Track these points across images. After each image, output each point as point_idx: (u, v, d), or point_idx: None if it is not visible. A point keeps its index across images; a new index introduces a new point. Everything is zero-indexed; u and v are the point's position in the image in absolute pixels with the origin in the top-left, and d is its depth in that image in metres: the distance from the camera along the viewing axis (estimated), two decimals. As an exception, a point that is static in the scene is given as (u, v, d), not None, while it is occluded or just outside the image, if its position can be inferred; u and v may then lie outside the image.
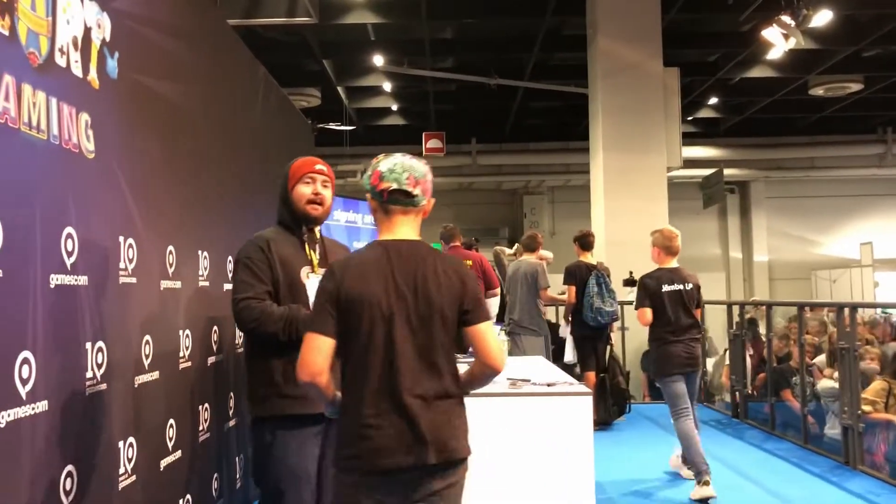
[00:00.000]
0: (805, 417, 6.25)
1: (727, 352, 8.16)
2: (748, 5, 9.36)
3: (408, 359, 2.12)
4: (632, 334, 8.62)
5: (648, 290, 5.05)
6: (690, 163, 12.91)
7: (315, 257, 2.86)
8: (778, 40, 8.38)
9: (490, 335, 2.22)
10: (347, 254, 2.94)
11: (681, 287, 5.05)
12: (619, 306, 7.16)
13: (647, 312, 5.02)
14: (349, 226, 10.59)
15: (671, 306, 4.99)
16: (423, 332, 2.15)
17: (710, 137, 16.09)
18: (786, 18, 8.09)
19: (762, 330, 7.75)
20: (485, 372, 2.23)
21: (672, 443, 6.50)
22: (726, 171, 14.50)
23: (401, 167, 2.24)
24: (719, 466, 5.67)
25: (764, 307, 8.03)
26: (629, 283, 8.48)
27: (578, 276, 6.86)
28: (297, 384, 2.21)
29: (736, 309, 7.76)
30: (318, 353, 2.13)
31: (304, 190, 2.86)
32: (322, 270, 2.65)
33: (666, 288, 5.03)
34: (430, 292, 2.16)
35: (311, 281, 2.76)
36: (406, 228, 2.25)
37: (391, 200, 2.24)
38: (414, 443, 2.10)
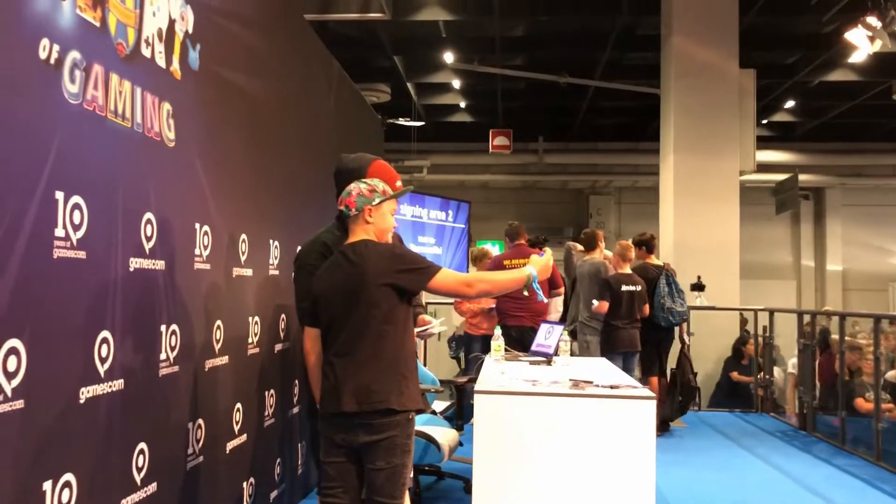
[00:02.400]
0: (878, 433, 6.03)
1: (795, 362, 7.93)
2: (831, 6, 9.07)
3: (339, 330, 2.70)
4: (696, 339, 8.46)
5: (612, 288, 6.42)
6: (764, 167, 12.56)
7: None
8: (863, 42, 8.08)
9: (443, 285, 2.74)
10: (395, 244, 3.21)
11: (635, 288, 6.48)
12: (688, 308, 7.03)
13: (605, 305, 6.41)
14: (415, 220, 10.66)
15: (626, 302, 6.40)
16: (364, 306, 2.66)
17: (785, 141, 15.63)
18: (872, 20, 7.79)
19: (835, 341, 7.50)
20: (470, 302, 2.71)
21: (736, 452, 6.36)
22: (801, 177, 14.08)
23: (342, 194, 2.82)
24: (786, 480, 5.52)
25: (837, 318, 7.77)
26: (697, 287, 8.33)
27: (646, 277, 6.77)
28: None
29: (807, 318, 7.53)
30: (309, 339, 2.86)
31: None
32: None
33: (624, 288, 6.44)
34: (361, 275, 2.66)
35: None
36: (352, 234, 2.80)
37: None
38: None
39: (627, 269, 6.57)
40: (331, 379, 2.69)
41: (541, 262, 2.96)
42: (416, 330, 3.18)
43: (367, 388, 2.62)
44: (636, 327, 6.49)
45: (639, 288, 6.49)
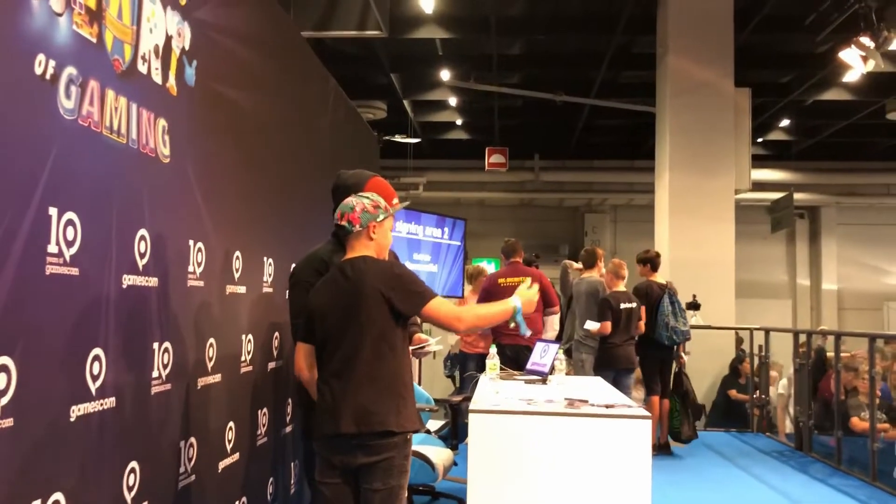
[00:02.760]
0: (874, 453, 6.01)
1: (790, 381, 7.92)
2: (825, 26, 9.13)
3: (335, 348, 2.68)
4: (691, 358, 8.44)
5: (612, 307, 6.43)
6: (759, 185, 12.60)
7: None
8: (856, 62, 8.13)
9: (435, 313, 2.72)
10: (394, 262, 3.18)
11: (632, 306, 6.52)
12: (689, 327, 7.02)
13: (608, 325, 6.40)
14: (410, 237, 10.65)
15: (624, 320, 6.43)
16: (359, 327, 2.65)
17: (780, 160, 15.69)
18: (865, 40, 7.85)
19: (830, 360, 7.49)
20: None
21: (733, 472, 6.32)
22: (796, 196, 14.11)
23: (339, 207, 2.81)
24: (782, 500, 5.49)
25: (832, 337, 7.76)
26: (692, 306, 8.32)
27: (649, 295, 6.76)
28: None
29: (802, 337, 7.53)
30: (301, 355, 2.86)
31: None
32: None
33: (622, 306, 6.47)
34: (359, 293, 2.66)
35: None
36: (351, 250, 2.79)
37: (340, 233, 2.82)
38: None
39: (622, 287, 6.62)
40: (328, 399, 2.67)
41: (526, 295, 2.91)
42: (412, 348, 3.17)
43: (366, 410, 2.61)
44: (631, 344, 6.56)
45: (634, 305, 6.57)
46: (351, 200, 2.80)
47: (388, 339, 2.66)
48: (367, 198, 2.81)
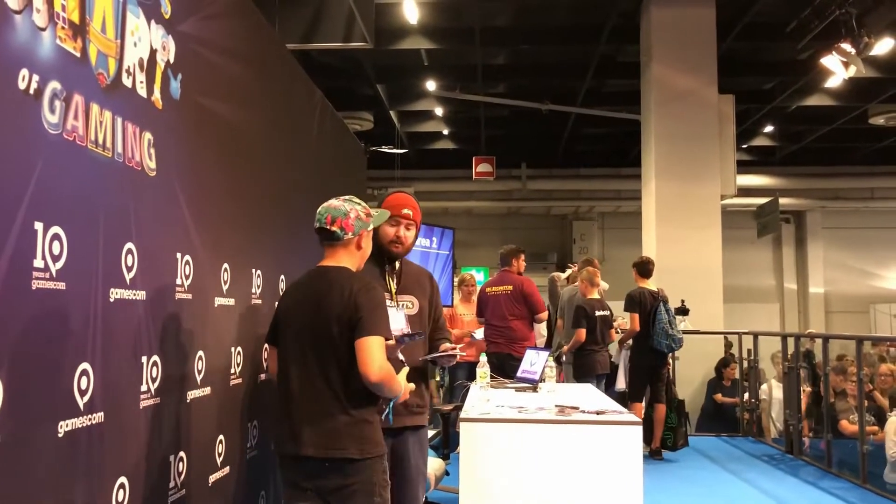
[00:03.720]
0: (863, 456, 6.03)
1: (779, 385, 7.96)
2: (806, 33, 9.22)
3: (299, 361, 2.61)
4: (680, 364, 8.47)
5: (587, 314, 6.56)
6: (745, 191, 12.69)
7: (393, 286, 3.16)
8: (837, 68, 8.23)
9: (365, 349, 2.51)
10: (425, 280, 3.27)
11: (606, 313, 6.65)
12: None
13: (583, 332, 6.50)
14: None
15: (599, 327, 6.55)
16: (316, 341, 2.57)
17: (765, 166, 15.82)
18: (846, 46, 7.93)
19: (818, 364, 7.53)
20: (365, 382, 2.52)
21: (724, 477, 6.34)
22: (782, 201, 14.22)
23: (324, 210, 2.70)
24: None
25: (820, 340, 7.81)
26: (681, 311, 8.35)
27: (642, 303, 6.78)
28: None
29: (791, 341, 7.57)
30: (271, 358, 2.83)
31: (389, 230, 3.13)
32: (399, 298, 3.12)
33: (597, 313, 6.59)
34: (324, 308, 2.57)
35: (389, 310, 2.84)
36: (332, 258, 2.70)
37: (319, 237, 2.73)
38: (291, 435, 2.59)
39: (596, 295, 6.73)
40: (286, 417, 2.60)
41: (403, 373, 2.72)
42: (435, 355, 3.13)
43: (326, 434, 2.53)
44: (606, 350, 6.74)
45: (608, 313, 6.73)
46: (342, 205, 2.70)
47: (347, 358, 2.55)
48: (359, 204, 2.74)
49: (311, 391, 2.57)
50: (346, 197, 2.79)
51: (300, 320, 2.62)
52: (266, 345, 2.84)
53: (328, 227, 2.67)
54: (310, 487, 2.58)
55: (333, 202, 2.72)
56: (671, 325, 6.72)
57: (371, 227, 2.75)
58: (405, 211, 3.18)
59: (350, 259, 2.69)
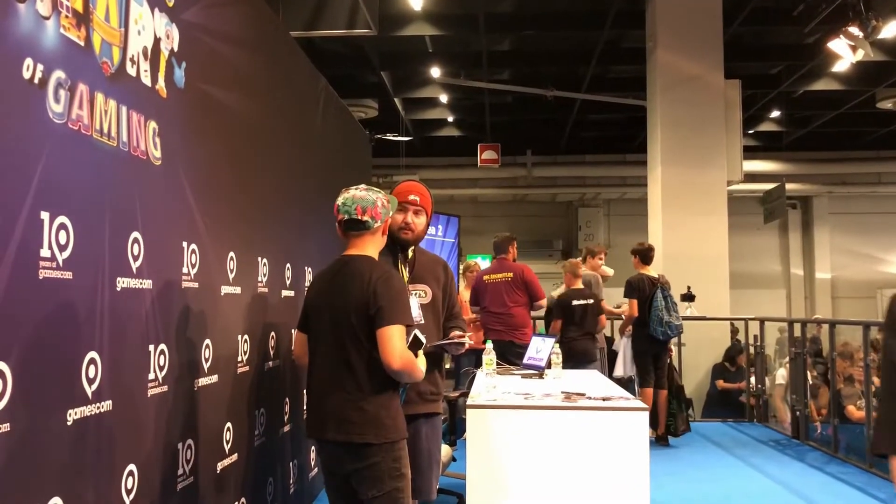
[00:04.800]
0: (870, 440, 6.03)
1: (785, 370, 7.95)
2: (813, 17, 9.16)
3: (324, 349, 2.67)
4: (687, 350, 8.46)
5: (563, 305, 6.63)
6: (751, 177, 12.63)
7: (405, 275, 3.16)
8: (845, 52, 8.16)
9: (387, 338, 2.57)
10: (439, 269, 3.28)
11: (587, 302, 6.65)
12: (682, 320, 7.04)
13: (559, 323, 6.60)
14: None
15: (578, 316, 6.58)
16: (337, 329, 2.63)
17: (771, 151, 15.73)
18: (853, 30, 7.86)
19: (825, 349, 7.52)
20: (387, 370, 2.59)
21: (729, 462, 6.35)
22: (788, 186, 14.15)
23: (351, 200, 2.73)
24: (780, 489, 5.51)
25: (826, 325, 7.79)
26: (687, 297, 8.34)
27: (641, 289, 6.78)
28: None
29: (797, 327, 7.55)
30: (297, 343, 2.89)
31: (397, 217, 3.12)
32: (412, 287, 3.13)
33: (575, 303, 6.62)
34: (345, 297, 2.64)
35: None
36: (358, 246, 2.75)
37: (346, 228, 2.75)
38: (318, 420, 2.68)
39: (579, 284, 6.77)
40: (313, 403, 2.71)
41: (422, 356, 2.74)
42: (444, 342, 3.13)
43: (346, 420, 2.60)
44: (588, 339, 6.66)
45: (591, 301, 6.67)
46: (367, 195, 2.74)
47: (371, 346, 2.60)
48: (379, 192, 2.79)
49: (333, 378, 2.64)
50: (364, 186, 2.82)
51: (324, 309, 2.69)
52: (294, 330, 2.91)
53: (359, 218, 2.70)
54: (337, 472, 2.68)
55: (356, 192, 2.74)
56: (668, 312, 6.70)
57: (390, 214, 2.81)
58: (411, 197, 3.18)
59: (374, 247, 2.76)
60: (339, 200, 2.75)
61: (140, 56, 2.45)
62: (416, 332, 2.73)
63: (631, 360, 6.95)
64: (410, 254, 3.24)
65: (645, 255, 7.01)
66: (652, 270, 7.00)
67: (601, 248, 7.66)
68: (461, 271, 7.96)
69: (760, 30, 10.70)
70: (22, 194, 1.87)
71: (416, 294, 3.17)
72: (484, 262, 8.73)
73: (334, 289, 2.69)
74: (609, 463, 3.26)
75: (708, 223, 9.22)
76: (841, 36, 8.01)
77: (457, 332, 3.22)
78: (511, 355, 5.54)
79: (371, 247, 2.75)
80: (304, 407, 2.88)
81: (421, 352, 2.74)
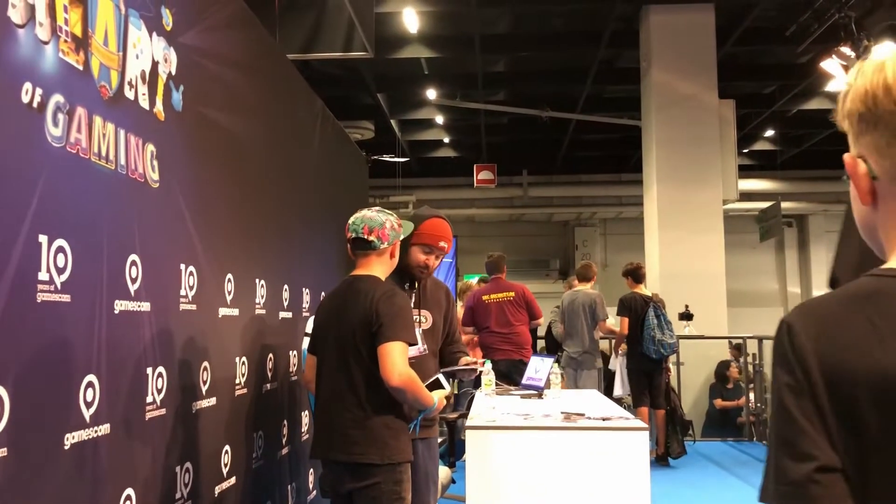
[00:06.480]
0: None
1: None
2: (806, 37, 9.24)
3: (329, 369, 2.70)
4: (685, 369, 8.45)
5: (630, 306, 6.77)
6: (746, 196, 12.69)
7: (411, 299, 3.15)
8: (837, 72, 8.23)
9: (386, 354, 2.57)
10: (441, 295, 3.28)
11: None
12: (676, 338, 7.04)
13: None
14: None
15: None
16: (342, 348, 2.65)
17: (766, 170, 15.81)
18: (846, 50, 7.94)
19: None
20: (387, 387, 2.59)
21: (731, 482, 6.32)
22: (784, 205, 14.20)
23: (360, 220, 2.78)
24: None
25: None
26: (685, 316, 8.34)
27: (633, 308, 6.78)
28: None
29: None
30: (307, 367, 2.91)
31: (420, 255, 3.09)
32: (414, 312, 3.06)
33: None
34: (349, 316, 2.67)
35: None
36: (365, 267, 2.78)
37: (353, 247, 2.81)
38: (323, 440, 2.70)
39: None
40: (319, 423, 2.73)
41: (441, 395, 2.81)
42: (455, 368, 3.13)
43: (350, 439, 2.61)
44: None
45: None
46: (377, 216, 2.78)
47: (371, 366, 2.61)
48: (391, 214, 2.81)
49: (337, 398, 2.66)
50: (376, 208, 2.86)
51: (330, 329, 2.72)
52: (292, 352, 2.98)
53: (366, 238, 2.74)
54: (340, 491, 2.68)
55: (367, 213, 2.79)
56: (661, 331, 6.70)
57: (401, 237, 2.81)
58: (442, 244, 3.14)
59: (382, 268, 2.77)
60: (350, 220, 2.80)
61: (138, 79, 2.46)
62: (440, 376, 2.75)
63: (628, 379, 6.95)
64: (417, 283, 3.25)
65: (636, 274, 7.03)
66: (645, 289, 7.01)
67: (591, 264, 7.67)
68: (458, 292, 7.96)
69: (754, 50, 10.79)
70: (20, 217, 1.88)
71: (417, 320, 3.17)
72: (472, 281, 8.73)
73: (339, 308, 2.71)
74: (610, 483, 3.24)
75: (704, 242, 9.25)
76: (833, 56, 8.08)
77: (467, 359, 3.22)
78: (518, 374, 5.53)
79: (378, 267, 2.76)
80: (310, 428, 2.91)
81: (441, 391, 2.77)
